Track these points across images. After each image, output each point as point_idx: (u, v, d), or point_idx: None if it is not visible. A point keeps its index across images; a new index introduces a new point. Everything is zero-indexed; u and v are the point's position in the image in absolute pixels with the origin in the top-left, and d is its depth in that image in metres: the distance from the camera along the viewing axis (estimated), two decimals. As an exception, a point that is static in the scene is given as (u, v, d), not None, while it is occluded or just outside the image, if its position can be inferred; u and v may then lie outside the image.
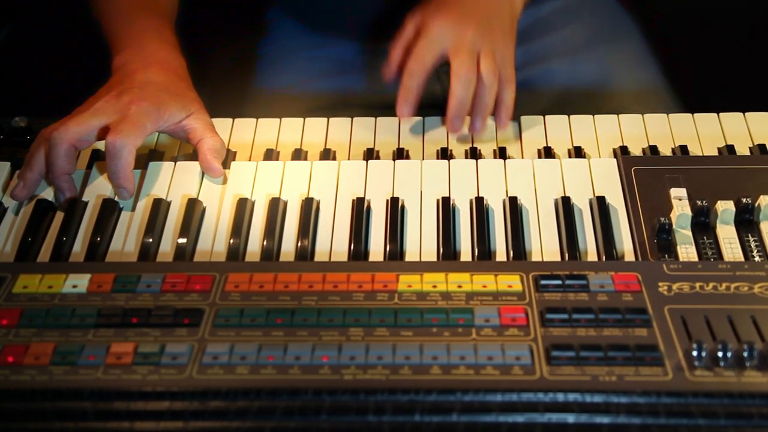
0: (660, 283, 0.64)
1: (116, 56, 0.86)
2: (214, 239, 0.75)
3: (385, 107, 0.89)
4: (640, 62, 1.06)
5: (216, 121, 0.88)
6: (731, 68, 1.34)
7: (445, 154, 0.85)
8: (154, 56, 0.85)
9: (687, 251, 0.71)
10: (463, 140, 0.87)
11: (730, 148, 0.83)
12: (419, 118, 0.89)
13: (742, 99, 0.89)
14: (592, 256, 0.72)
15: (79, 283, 0.66)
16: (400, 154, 0.84)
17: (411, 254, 0.73)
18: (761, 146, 0.83)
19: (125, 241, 0.75)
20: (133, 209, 0.78)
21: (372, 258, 0.73)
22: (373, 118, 0.90)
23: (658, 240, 0.72)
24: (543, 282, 0.64)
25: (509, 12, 0.90)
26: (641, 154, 0.83)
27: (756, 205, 0.72)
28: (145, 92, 0.80)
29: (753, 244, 0.71)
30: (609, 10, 1.10)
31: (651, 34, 1.10)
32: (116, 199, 0.78)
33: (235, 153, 0.85)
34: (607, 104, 0.89)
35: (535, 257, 0.73)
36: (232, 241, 0.74)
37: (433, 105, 1.03)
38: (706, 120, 0.88)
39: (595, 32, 1.06)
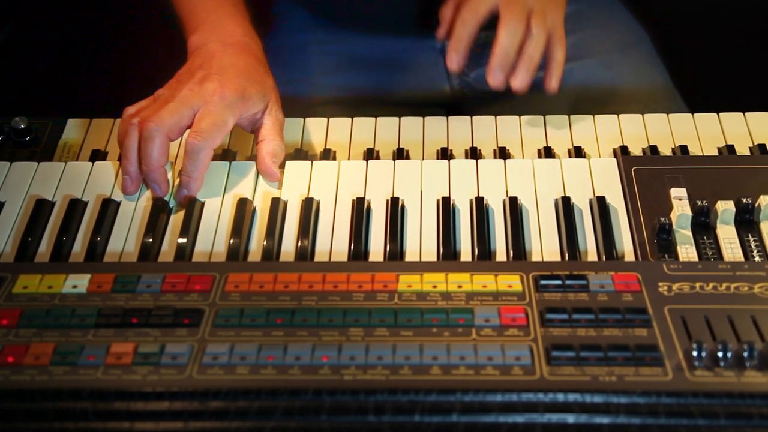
0: (660, 283, 0.64)
1: (191, 35, 0.84)
2: (214, 239, 0.75)
3: (394, 104, 0.89)
4: (649, 68, 1.06)
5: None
6: (731, 68, 1.34)
7: (445, 154, 0.85)
8: (233, 36, 0.83)
9: (687, 251, 0.71)
10: (463, 139, 0.87)
11: (730, 148, 0.83)
12: (419, 118, 0.89)
13: (742, 99, 0.89)
14: (592, 256, 0.72)
15: (79, 283, 0.66)
16: (400, 154, 0.84)
17: (411, 254, 0.73)
18: (761, 146, 0.83)
19: (125, 241, 0.75)
20: (134, 209, 0.78)
21: (372, 258, 0.73)
22: (373, 118, 0.90)
23: (658, 240, 0.72)
24: (543, 282, 0.64)
25: None
26: (641, 154, 0.83)
27: (756, 205, 0.72)
28: (228, 80, 0.78)
29: (753, 244, 0.71)
30: (619, 16, 1.11)
31: (658, 37, 1.10)
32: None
33: (235, 153, 0.85)
34: (616, 110, 0.89)
35: (535, 257, 0.73)
36: (232, 241, 0.74)
37: (433, 105, 1.03)
38: (706, 120, 0.88)
39: (606, 38, 1.06)
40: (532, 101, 0.89)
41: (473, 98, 1.03)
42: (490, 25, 0.85)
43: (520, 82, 0.85)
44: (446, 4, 0.89)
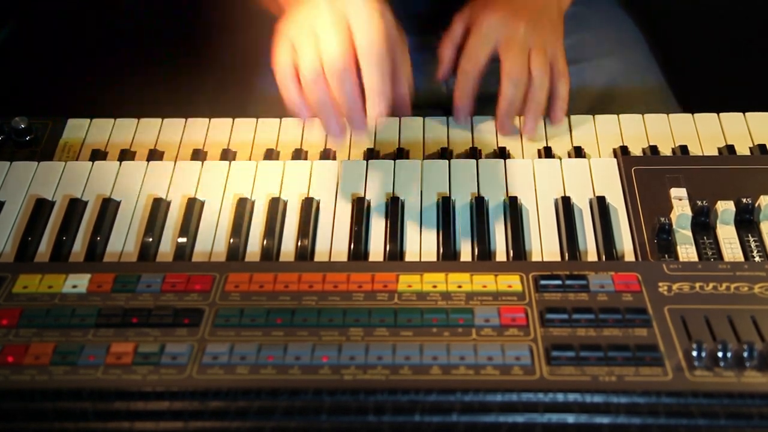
0: (660, 283, 0.64)
1: None
2: (214, 239, 0.75)
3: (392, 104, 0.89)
4: (646, 70, 1.06)
5: (215, 121, 0.88)
6: (731, 68, 1.34)
7: (445, 154, 0.85)
8: None
9: (687, 251, 0.70)
10: (463, 139, 0.87)
11: (730, 148, 0.83)
12: (419, 118, 0.89)
13: (742, 99, 0.89)
14: (592, 256, 0.72)
15: (79, 283, 0.66)
16: (400, 154, 0.84)
17: (411, 254, 0.73)
18: (761, 146, 0.83)
19: (125, 241, 0.75)
20: (134, 209, 0.78)
21: (372, 258, 0.73)
22: (372, 118, 0.90)
23: (658, 240, 0.72)
24: (543, 282, 0.64)
25: (557, 5, 0.90)
26: (641, 154, 0.83)
27: (756, 205, 0.72)
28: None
29: (753, 244, 0.71)
30: (615, 17, 1.10)
31: (655, 38, 1.10)
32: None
33: (235, 153, 0.85)
34: (611, 112, 0.89)
35: (535, 257, 0.73)
36: (232, 240, 0.74)
37: (433, 105, 1.03)
38: (706, 120, 0.88)
39: (602, 40, 1.06)
40: None
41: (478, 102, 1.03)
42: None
43: (529, 129, 0.85)
44: (443, 43, 0.88)
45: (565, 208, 0.75)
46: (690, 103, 1.00)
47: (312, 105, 0.73)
